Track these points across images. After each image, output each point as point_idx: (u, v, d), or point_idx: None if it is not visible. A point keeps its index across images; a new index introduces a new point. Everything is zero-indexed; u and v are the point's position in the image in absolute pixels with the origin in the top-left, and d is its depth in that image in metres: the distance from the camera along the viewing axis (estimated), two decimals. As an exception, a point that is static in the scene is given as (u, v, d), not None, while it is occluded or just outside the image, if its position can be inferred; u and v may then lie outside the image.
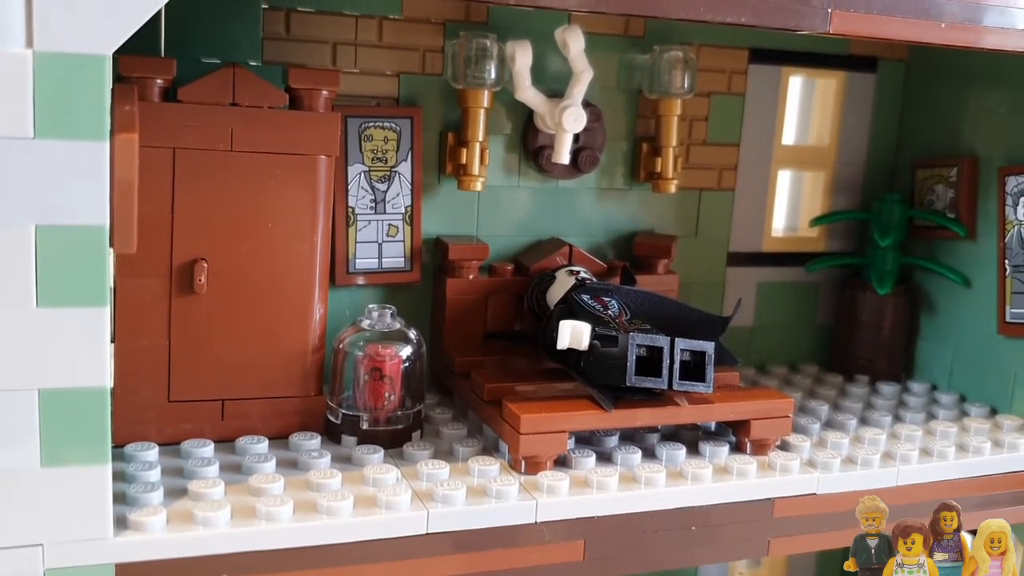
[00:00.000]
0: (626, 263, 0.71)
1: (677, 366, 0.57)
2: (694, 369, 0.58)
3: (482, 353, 0.67)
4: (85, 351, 0.44)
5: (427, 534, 0.52)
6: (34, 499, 0.45)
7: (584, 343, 0.58)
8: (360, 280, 0.66)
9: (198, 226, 0.56)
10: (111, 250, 0.45)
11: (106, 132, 0.43)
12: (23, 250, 0.43)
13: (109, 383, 0.45)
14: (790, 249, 0.79)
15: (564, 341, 0.58)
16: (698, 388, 0.57)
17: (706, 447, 0.61)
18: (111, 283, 0.46)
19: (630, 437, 0.62)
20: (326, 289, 0.60)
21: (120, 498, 0.50)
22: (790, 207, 0.80)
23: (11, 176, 0.42)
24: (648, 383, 0.57)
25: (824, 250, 0.80)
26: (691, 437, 0.63)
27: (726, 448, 0.61)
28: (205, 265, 0.56)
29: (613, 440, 0.61)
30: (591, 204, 0.72)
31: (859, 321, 0.78)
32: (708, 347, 0.58)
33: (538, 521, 0.54)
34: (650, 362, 0.57)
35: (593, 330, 0.58)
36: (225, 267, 0.57)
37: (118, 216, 0.45)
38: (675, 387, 0.57)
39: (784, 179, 0.79)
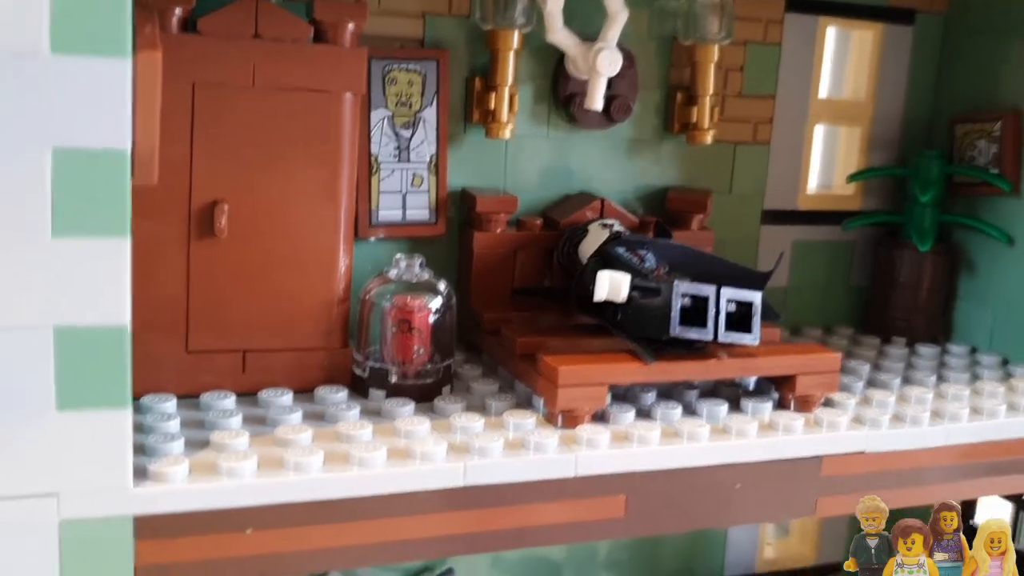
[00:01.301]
0: (659, 218, 0.68)
1: (723, 317, 0.54)
2: (739, 321, 0.55)
3: (510, 309, 0.64)
4: (104, 285, 0.42)
5: (463, 487, 0.49)
6: (49, 445, 0.42)
7: (623, 295, 0.55)
8: (382, 233, 0.64)
9: (218, 166, 0.53)
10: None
11: (128, 47, 0.40)
12: (38, 175, 0.40)
13: (129, 320, 0.42)
14: (825, 207, 0.77)
15: (602, 293, 0.55)
16: (745, 340, 0.55)
17: (748, 404, 0.58)
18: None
19: (667, 394, 0.59)
20: (351, 237, 0.57)
21: (139, 449, 0.47)
22: (825, 163, 0.77)
23: (26, 95, 0.39)
24: (693, 334, 0.54)
25: (859, 208, 0.78)
26: (730, 394, 0.60)
27: (770, 404, 0.58)
28: (225, 208, 0.53)
29: (651, 396, 0.58)
30: (622, 157, 0.70)
31: (896, 281, 0.75)
32: (755, 297, 0.55)
33: (578, 475, 0.51)
34: (694, 313, 0.54)
35: (632, 281, 0.55)
36: (246, 211, 0.54)
37: (139, 142, 0.42)
38: (721, 339, 0.54)
39: (820, 134, 0.76)
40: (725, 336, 0.54)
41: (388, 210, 0.64)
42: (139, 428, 0.49)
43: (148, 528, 0.44)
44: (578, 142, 0.68)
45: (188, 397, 0.54)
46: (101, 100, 0.40)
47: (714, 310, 0.54)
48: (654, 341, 0.55)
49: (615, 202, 0.67)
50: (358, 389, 0.57)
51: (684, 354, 0.56)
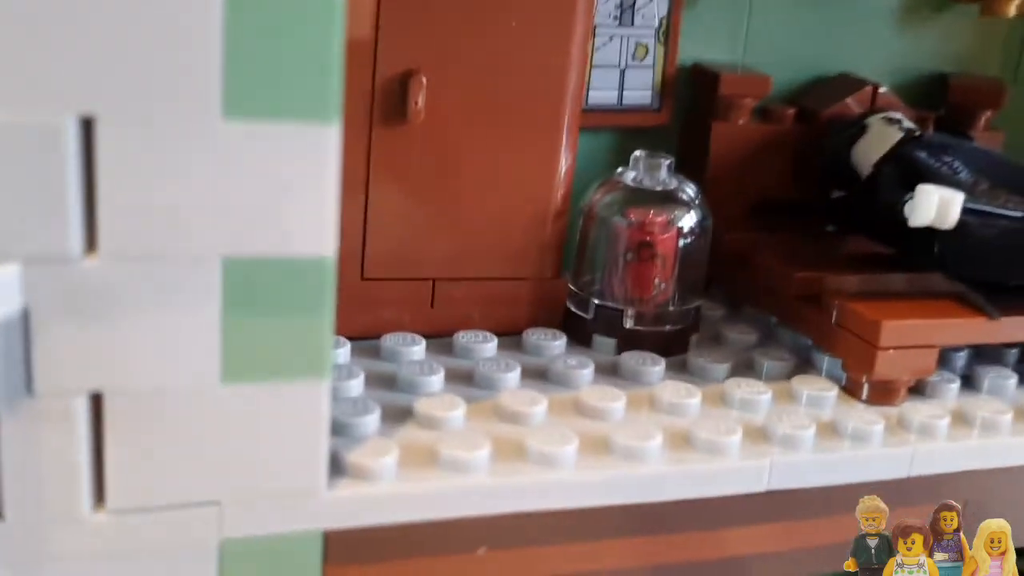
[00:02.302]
0: (939, 113, 0.52)
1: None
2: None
3: (751, 227, 0.49)
4: (299, 197, 0.27)
5: (765, 492, 0.35)
6: (209, 432, 0.28)
7: (951, 219, 0.40)
8: (590, 121, 0.48)
9: (415, 19, 0.37)
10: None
11: None
12: (201, 20, 0.25)
13: (334, 250, 0.28)
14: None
15: (926, 215, 0.40)
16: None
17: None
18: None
19: (980, 354, 0.44)
20: (577, 129, 0.42)
21: (316, 423, 0.33)
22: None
23: None
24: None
25: None
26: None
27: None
28: (423, 81, 0.37)
29: (961, 356, 0.43)
30: (890, 30, 0.53)
31: None
32: None
33: (911, 475, 0.37)
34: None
35: (965, 202, 0.40)
36: (447, 86, 0.38)
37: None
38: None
39: None
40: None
41: (601, 90, 0.48)
42: (309, 388, 0.35)
43: (344, 547, 0.31)
44: (837, 8, 0.52)
45: (363, 339, 0.39)
46: None
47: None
48: (985, 285, 0.41)
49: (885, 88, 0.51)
50: (576, 333, 0.42)
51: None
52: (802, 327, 0.42)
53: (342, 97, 0.26)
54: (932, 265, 0.42)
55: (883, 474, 0.36)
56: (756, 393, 0.38)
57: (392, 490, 0.31)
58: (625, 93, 0.48)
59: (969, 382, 0.42)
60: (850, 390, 0.40)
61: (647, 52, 0.48)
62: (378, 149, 0.38)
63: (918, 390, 0.40)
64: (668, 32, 0.48)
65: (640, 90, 0.49)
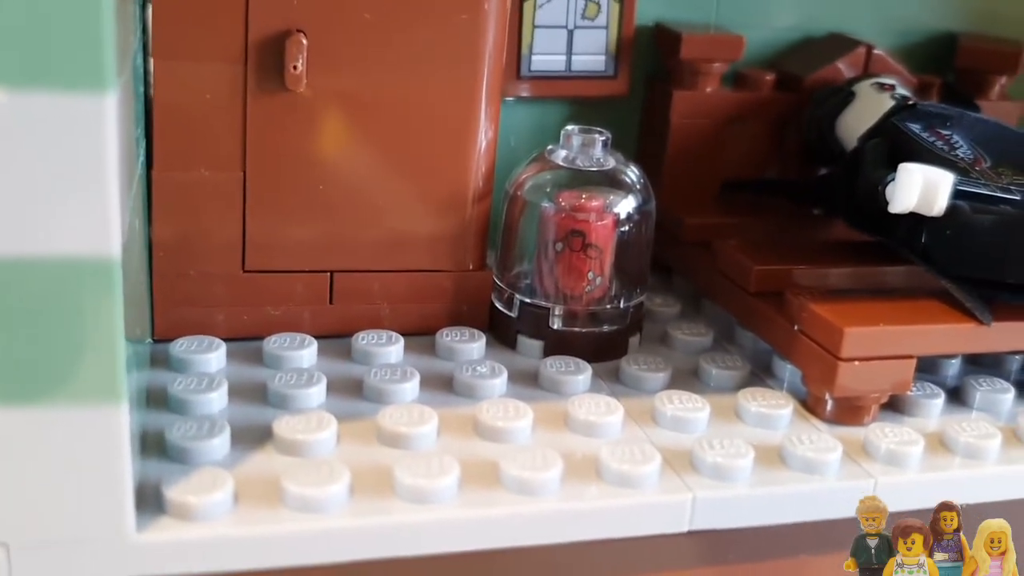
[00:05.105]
0: (944, 78, 0.46)
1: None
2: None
3: (719, 212, 0.43)
4: (68, 183, 0.22)
5: (687, 534, 0.29)
6: (-16, 463, 0.23)
7: (939, 204, 0.34)
8: (533, 90, 0.42)
9: (292, -29, 0.32)
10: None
11: None
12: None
13: (118, 249, 0.23)
14: None
15: (908, 198, 0.34)
16: None
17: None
18: (118, 62, 0.23)
19: (976, 361, 0.38)
20: (498, 99, 0.36)
21: (154, 446, 0.28)
22: None
23: None
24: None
25: None
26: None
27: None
28: (303, 42, 0.32)
29: (952, 367, 0.37)
30: (890, -16, 0.47)
31: None
32: None
33: (873, 514, 0.31)
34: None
35: (957, 183, 0.34)
36: (335, 47, 0.33)
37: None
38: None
39: None
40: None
41: (545, 55, 0.42)
42: (162, 402, 0.30)
43: (161, 601, 0.26)
44: (828, -42, 0.45)
45: (244, 340, 0.34)
46: None
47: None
48: (978, 283, 0.34)
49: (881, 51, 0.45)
50: (501, 334, 0.37)
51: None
52: (761, 330, 0.36)
53: (113, 57, 0.21)
54: (917, 258, 0.35)
55: (836, 512, 0.30)
56: (691, 409, 0.32)
57: (222, 533, 0.26)
58: (574, 58, 0.43)
59: (958, 396, 0.36)
60: (811, 407, 0.34)
61: (599, 10, 0.42)
62: (255, 120, 0.33)
63: (894, 406, 0.34)
64: (624, -14, 0.42)
65: (592, 55, 0.43)
